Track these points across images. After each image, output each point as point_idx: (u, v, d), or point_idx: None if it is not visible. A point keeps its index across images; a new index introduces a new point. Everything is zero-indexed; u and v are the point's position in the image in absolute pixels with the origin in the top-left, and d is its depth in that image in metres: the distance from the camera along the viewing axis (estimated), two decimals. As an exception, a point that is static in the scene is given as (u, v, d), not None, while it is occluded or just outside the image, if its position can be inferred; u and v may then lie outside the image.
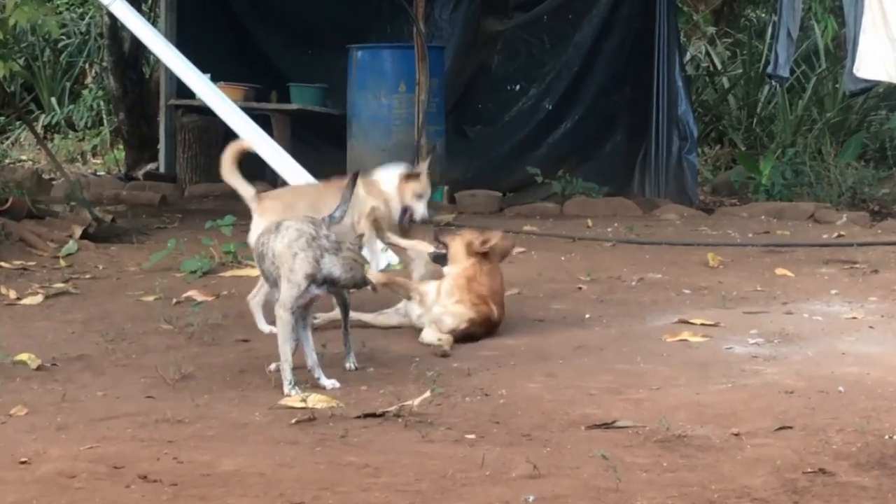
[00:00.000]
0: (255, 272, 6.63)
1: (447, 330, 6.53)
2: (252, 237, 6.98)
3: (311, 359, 5.77)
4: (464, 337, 6.60)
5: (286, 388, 5.56)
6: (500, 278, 6.84)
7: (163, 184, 13.17)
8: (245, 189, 6.93)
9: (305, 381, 5.68)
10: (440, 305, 6.65)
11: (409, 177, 7.14)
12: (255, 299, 6.92)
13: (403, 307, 6.86)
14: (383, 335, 6.76)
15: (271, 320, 6.65)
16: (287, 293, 5.67)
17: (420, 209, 7.09)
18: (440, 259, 6.86)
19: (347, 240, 5.91)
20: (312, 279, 5.67)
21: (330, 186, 7.23)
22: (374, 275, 6.15)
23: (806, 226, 11.08)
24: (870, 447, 4.79)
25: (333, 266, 5.70)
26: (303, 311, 5.76)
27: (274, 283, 5.81)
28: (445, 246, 6.84)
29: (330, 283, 5.73)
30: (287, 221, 5.82)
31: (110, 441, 4.86)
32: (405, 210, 7.11)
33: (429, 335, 6.50)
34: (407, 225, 7.18)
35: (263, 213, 6.90)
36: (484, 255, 6.76)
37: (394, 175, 7.18)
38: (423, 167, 7.30)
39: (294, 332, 5.71)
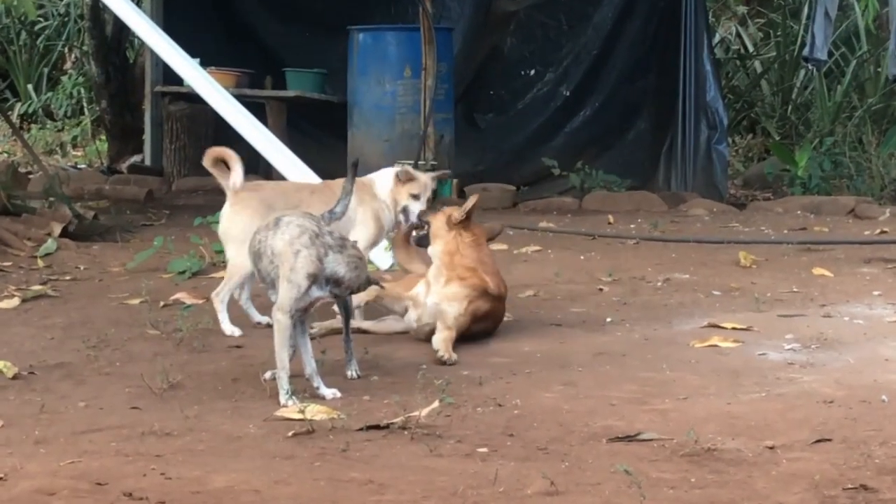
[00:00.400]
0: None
1: (451, 321, 6.53)
2: (222, 226, 7.01)
3: (310, 366, 5.78)
4: (475, 321, 6.62)
5: (283, 399, 5.57)
6: (487, 249, 6.88)
7: (148, 177, 13.19)
8: (226, 179, 6.97)
9: (304, 390, 5.68)
10: (433, 294, 6.67)
11: (405, 177, 7.14)
12: (243, 294, 6.96)
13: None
14: (387, 341, 6.77)
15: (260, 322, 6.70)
16: (286, 294, 5.67)
17: (416, 208, 7.09)
18: (423, 240, 6.89)
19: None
20: (314, 279, 5.67)
21: (320, 190, 7.22)
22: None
23: (846, 221, 11.08)
24: (915, 461, 4.80)
25: (338, 265, 5.70)
26: (301, 315, 5.76)
27: (271, 284, 5.81)
28: (428, 225, 6.87)
29: (334, 283, 5.73)
30: (287, 217, 5.82)
31: (93, 456, 4.86)
32: (405, 210, 7.12)
33: (436, 339, 6.49)
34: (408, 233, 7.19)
35: (236, 204, 6.95)
36: (465, 226, 6.78)
37: (388, 177, 7.18)
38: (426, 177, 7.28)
39: (292, 338, 5.71)
